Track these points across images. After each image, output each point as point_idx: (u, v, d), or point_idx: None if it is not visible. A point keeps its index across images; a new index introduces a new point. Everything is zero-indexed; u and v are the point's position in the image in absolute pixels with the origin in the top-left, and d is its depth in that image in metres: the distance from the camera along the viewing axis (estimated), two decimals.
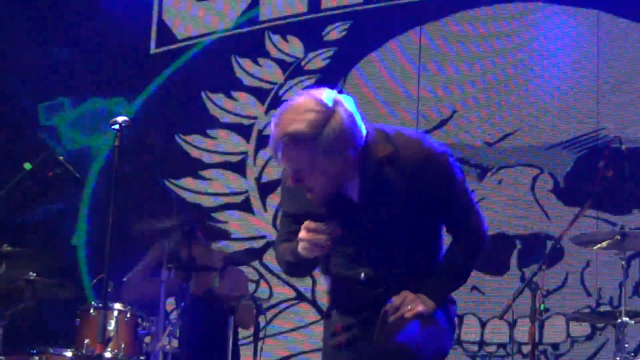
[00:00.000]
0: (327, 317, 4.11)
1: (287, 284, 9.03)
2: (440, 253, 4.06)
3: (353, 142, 3.70)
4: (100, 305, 6.15)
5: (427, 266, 3.97)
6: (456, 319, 7.11)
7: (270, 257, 9.14)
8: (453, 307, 4.09)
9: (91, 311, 6.54)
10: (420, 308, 3.82)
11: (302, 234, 3.76)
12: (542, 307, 6.00)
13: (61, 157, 7.05)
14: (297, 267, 4.01)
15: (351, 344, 3.97)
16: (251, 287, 8.69)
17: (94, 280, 6.40)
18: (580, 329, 7.87)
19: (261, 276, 9.09)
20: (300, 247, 3.79)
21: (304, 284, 8.88)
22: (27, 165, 6.70)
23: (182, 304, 6.50)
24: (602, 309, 7.35)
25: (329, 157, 3.66)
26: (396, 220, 3.86)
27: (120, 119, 5.18)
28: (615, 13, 8.46)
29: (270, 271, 9.10)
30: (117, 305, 6.55)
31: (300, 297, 8.95)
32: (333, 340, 4.03)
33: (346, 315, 4.01)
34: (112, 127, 5.14)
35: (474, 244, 4.02)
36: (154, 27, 10.05)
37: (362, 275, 3.91)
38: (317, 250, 3.77)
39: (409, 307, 3.81)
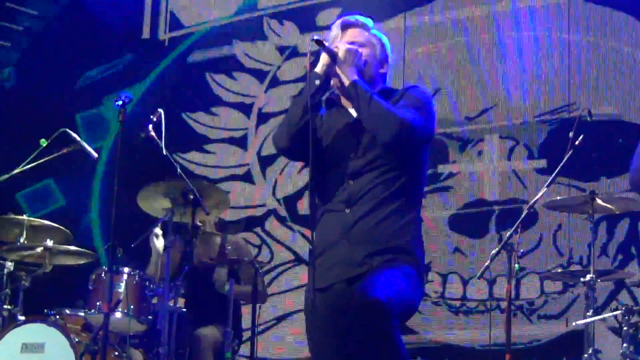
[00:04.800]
0: (310, 264, 4.05)
1: (288, 248, 8.96)
2: (416, 199, 4.11)
3: (386, 56, 4.24)
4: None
5: (402, 202, 4.01)
6: (439, 277, 6.98)
7: (270, 224, 9.09)
8: (422, 265, 4.05)
9: (102, 275, 6.46)
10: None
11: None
12: (517, 267, 5.92)
13: (76, 135, 6.92)
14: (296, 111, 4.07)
15: (327, 292, 3.97)
16: (254, 251, 8.61)
17: (105, 247, 6.28)
18: (553, 286, 7.79)
19: (263, 241, 9.03)
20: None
21: (303, 249, 8.79)
22: (43, 142, 6.56)
23: (187, 267, 6.40)
24: (572, 267, 7.26)
25: (373, 45, 4.20)
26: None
27: (123, 95, 5.04)
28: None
29: (272, 237, 9.05)
30: (126, 269, 6.48)
31: (298, 259, 8.87)
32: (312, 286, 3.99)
33: (326, 257, 4.01)
34: (116, 103, 5.01)
35: (388, 111, 3.95)
36: (162, 15, 9.99)
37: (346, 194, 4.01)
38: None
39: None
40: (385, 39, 4.27)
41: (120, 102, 5.00)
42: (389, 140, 3.93)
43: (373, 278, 3.81)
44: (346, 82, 4.03)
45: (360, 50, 4.10)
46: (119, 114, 5.06)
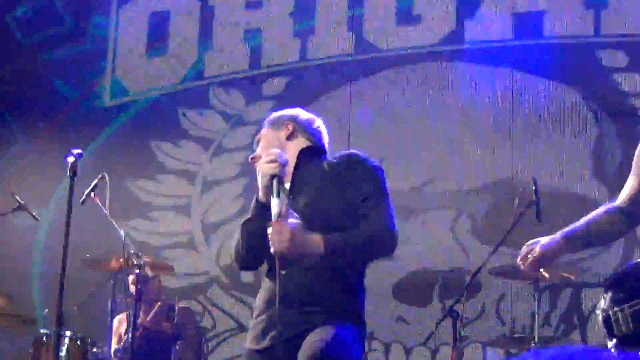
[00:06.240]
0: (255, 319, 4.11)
1: (230, 316, 8.92)
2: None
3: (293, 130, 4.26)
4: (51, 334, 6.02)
5: (346, 272, 4.04)
6: (381, 346, 6.97)
7: (212, 292, 9.05)
8: (363, 328, 4.10)
9: (43, 339, 6.39)
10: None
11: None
12: (461, 333, 5.96)
13: (17, 197, 6.96)
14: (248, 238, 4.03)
15: (269, 350, 3.98)
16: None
17: (45, 312, 6.23)
18: (496, 355, 7.81)
19: (205, 308, 8.98)
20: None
21: (245, 316, 8.75)
22: None
23: (130, 331, 6.36)
24: (515, 336, 7.29)
25: (275, 136, 4.24)
26: (320, 213, 4.02)
27: (74, 151, 5.01)
28: (528, 71, 8.47)
29: (214, 304, 9.00)
30: (68, 333, 6.40)
31: (240, 327, 8.82)
32: (254, 344, 4.03)
33: (265, 318, 4.05)
34: (67, 158, 4.98)
35: (368, 231, 3.96)
36: (107, 82, 9.99)
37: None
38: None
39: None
40: (292, 112, 4.35)
41: (71, 158, 4.97)
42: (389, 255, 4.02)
43: (315, 335, 3.88)
44: (319, 253, 3.89)
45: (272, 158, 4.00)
46: (69, 169, 5.00)
